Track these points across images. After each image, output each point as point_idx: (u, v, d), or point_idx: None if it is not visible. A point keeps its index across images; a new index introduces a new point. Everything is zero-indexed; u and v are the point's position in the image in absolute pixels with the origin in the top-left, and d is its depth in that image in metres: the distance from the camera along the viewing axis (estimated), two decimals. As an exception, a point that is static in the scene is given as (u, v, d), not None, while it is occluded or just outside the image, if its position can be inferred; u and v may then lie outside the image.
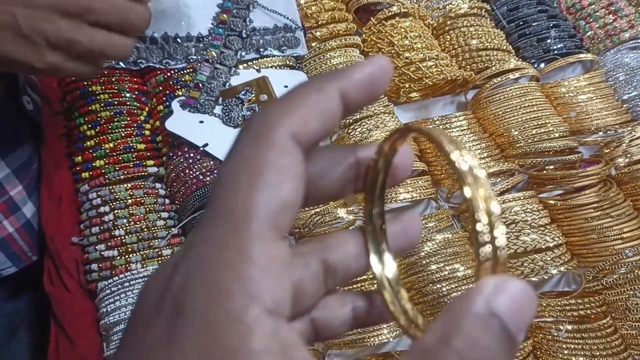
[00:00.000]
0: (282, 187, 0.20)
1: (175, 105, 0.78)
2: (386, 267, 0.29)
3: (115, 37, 0.58)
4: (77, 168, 0.77)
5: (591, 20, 0.98)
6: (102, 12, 0.54)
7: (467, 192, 0.21)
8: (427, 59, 0.86)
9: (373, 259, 0.29)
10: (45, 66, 0.56)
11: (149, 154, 0.78)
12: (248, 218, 0.19)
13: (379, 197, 0.28)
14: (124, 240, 0.70)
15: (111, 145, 0.76)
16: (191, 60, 0.85)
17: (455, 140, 0.22)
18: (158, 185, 0.76)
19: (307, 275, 0.26)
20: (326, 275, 0.27)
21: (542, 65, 0.93)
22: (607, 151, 0.84)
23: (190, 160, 0.74)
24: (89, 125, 0.78)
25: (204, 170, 0.74)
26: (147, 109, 0.83)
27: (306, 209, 0.75)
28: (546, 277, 0.71)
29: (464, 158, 0.21)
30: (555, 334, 0.68)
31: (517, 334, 0.19)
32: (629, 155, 0.82)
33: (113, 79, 0.82)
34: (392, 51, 0.88)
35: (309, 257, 0.27)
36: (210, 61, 0.83)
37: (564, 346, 0.68)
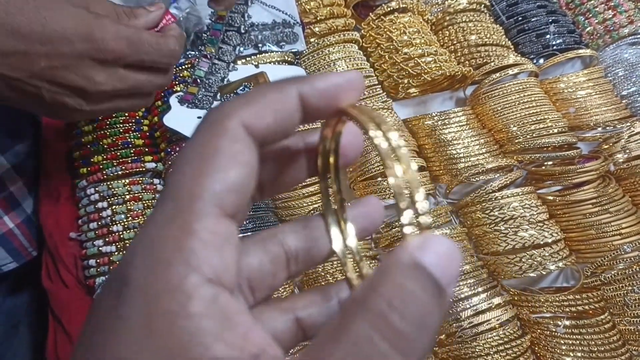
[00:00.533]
0: (230, 171, 0.21)
1: (173, 100, 0.78)
2: (348, 238, 0.29)
3: (152, 75, 0.57)
4: (76, 164, 0.77)
5: (590, 15, 0.98)
6: (134, 56, 0.53)
7: (390, 173, 0.21)
8: (426, 54, 0.85)
9: (334, 231, 0.29)
10: (101, 113, 0.57)
11: (147, 149, 0.78)
12: (193, 198, 0.21)
13: (335, 178, 0.29)
14: (122, 236, 0.70)
15: (109, 140, 0.76)
16: (189, 56, 0.85)
17: (379, 118, 0.22)
18: (156, 180, 0.76)
19: (266, 259, 0.27)
20: (288, 259, 0.28)
21: (541, 60, 0.93)
22: (606, 147, 0.84)
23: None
24: (87, 121, 0.78)
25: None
26: (145, 104, 0.83)
27: (304, 205, 0.75)
28: (544, 273, 0.71)
29: (386, 135, 0.21)
30: (554, 330, 0.68)
31: (445, 286, 0.19)
32: (627, 151, 0.82)
33: (111, 75, 0.82)
34: (391, 47, 0.88)
35: (269, 242, 0.27)
36: (209, 57, 0.83)
37: (562, 342, 0.68)
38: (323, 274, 0.70)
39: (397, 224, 0.74)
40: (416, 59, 0.85)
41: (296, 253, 0.28)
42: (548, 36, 0.93)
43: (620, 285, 0.72)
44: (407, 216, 0.20)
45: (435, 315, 0.19)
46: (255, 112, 0.22)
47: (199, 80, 0.80)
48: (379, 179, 0.78)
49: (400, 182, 0.20)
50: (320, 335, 0.20)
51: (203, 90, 0.80)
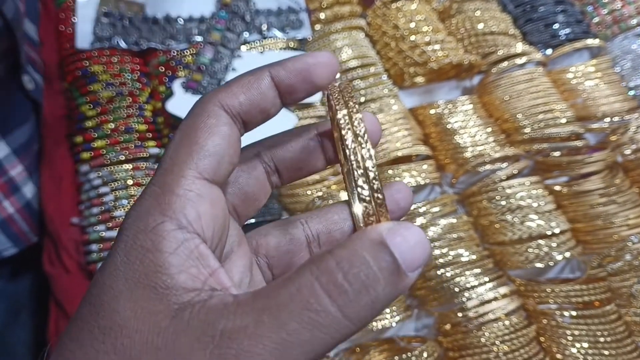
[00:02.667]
0: (207, 141, 0.25)
1: (177, 86, 0.77)
2: None
3: None
4: (78, 148, 0.76)
5: (598, 5, 0.97)
6: None
7: (349, 144, 0.24)
8: (433, 42, 0.84)
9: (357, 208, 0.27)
10: None
11: (150, 134, 0.77)
12: (174, 164, 0.25)
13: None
14: (124, 221, 0.69)
15: (112, 125, 0.75)
16: (193, 42, 0.84)
17: (350, 99, 0.25)
18: (159, 166, 0.75)
19: (285, 239, 0.31)
20: (308, 241, 0.31)
21: (549, 50, 0.92)
22: (613, 138, 0.83)
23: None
24: (90, 106, 0.77)
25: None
26: (148, 89, 0.82)
27: (308, 192, 0.74)
28: (551, 264, 0.71)
29: (354, 118, 0.24)
30: (560, 320, 0.68)
31: (407, 271, 0.22)
32: (635, 142, 0.81)
33: (114, 60, 0.81)
34: (397, 34, 0.87)
35: (289, 225, 0.31)
36: (213, 44, 0.82)
37: (568, 332, 0.68)
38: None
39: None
40: (423, 46, 0.84)
41: (317, 235, 0.30)
42: (556, 26, 0.92)
43: (627, 276, 0.71)
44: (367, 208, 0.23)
45: (384, 288, 0.21)
46: (228, 93, 0.26)
47: (202, 67, 0.79)
48: (385, 167, 0.77)
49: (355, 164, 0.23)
50: (274, 280, 0.23)
51: (207, 77, 0.79)
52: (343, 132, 0.24)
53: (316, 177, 0.75)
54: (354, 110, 0.25)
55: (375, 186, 0.24)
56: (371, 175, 0.23)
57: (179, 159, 0.25)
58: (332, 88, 0.27)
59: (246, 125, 0.27)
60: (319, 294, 0.21)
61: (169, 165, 0.25)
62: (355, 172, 0.24)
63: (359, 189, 0.24)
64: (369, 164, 0.24)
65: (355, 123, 0.25)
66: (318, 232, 0.31)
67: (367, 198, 0.24)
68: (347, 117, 0.25)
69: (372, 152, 0.24)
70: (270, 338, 0.21)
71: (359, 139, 0.24)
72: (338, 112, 0.25)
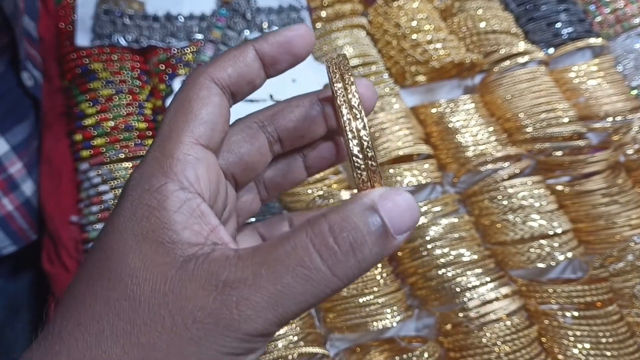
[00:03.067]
0: (200, 110, 0.27)
1: (177, 84, 0.77)
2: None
3: None
4: (77, 146, 0.76)
5: (601, 4, 0.96)
6: None
7: (344, 116, 0.26)
8: (434, 41, 0.84)
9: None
10: None
11: (149, 133, 0.77)
12: (172, 131, 0.27)
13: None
14: (124, 220, 0.68)
15: (112, 123, 0.75)
16: (193, 40, 0.83)
17: (345, 72, 0.27)
18: (159, 164, 0.74)
19: (253, 149, 0.32)
20: (271, 144, 0.33)
21: (551, 49, 0.92)
22: (615, 138, 0.83)
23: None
24: (90, 103, 0.77)
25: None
26: (148, 87, 0.82)
27: (309, 191, 0.74)
28: (553, 264, 0.70)
29: (349, 91, 0.26)
30: (562, 320, 0.67)
31: (394, 234, 0.24)
32: (637, 141, 0.80)
33: (114, 57, 0.81)
34: (399, 33, 0.86)
35: (255, 130, 0.32)
36: (214, 42, 0.81)
37: (570, 332, 0.67)
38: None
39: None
40: (424, 45, 0.83)
41: (284, 133, 0.33)
42: (558, 25, 0.92)
43: (629, 276, 0.71)
44: (362, 176, 0.25)
45: (371, 250, 0.24)
46: (217, 66, 0.29)
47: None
48: (386, 166, 0.77)
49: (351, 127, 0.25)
50: (272, 239, 0.25)
51: (208, 73, 0.78)
52: (339, 104, 0.26)
53: (317, 176, 0.75)
54: (349, 82, 0.27)
55: (368, 154, 0.25)
56: (365, 144, 0.25)
57: (176, 127, 0.27)
58: (329, 61, 0.29)
59: (235, 96, 0.30)
60: (311, 253, 0.23)
61: (167, 133, 0.27)
62: (351, 142, 0.25)
63: (354, 158, 0.25)
64: (362, 133, 0.25)
65: (350, 95, 0.26)
66: (286, 129, 0.33)
67: (362, 166, 0.25)
68: (342, 90, 0.26)
69: (366, 122, 0.26)
70: (267, 289, 0.23)
71: (354, 110, 0.26)
72: (335, 84, 0.27)
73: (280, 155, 0.34)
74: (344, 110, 0.26)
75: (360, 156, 0.25)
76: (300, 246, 0.24)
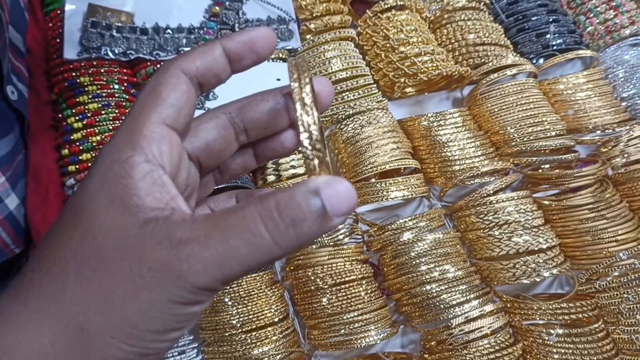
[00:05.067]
0: (169, 95, 0.30)
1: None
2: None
3: None
4: (64, 161, 0.76)
5: (591, 15, 0.96)
6: None
7: (298, 112, 0.28)
8: (423, 53, 0.84)
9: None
10: None
11: (136, 147, 0.76)
12: (140, 112, 0.30)
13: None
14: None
15: (98, 138, 0.75)
16: (181, 52, 0.83)
17: (302, 73, 0.30)
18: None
19: (220, 137, 0.35)
20: (237, 133, 0.36)
21: (541, 60, 0.92)
22: (604, 150, 0.83)
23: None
24: (77, 118, 0.77)
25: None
26: (136, 101, 0.81)
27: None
28: (538, 280, 0.70)
29: (303, 90, 0.29)
30: (546, 338, 0.67)
31: (332, 215, 0.27)
32: (626, 155, 0.80)
33: (102, 70, 0.80)
34: (387, 45, 0.86)
35: (223, 119, 0.35)
36: (201, 53, 0.81)
37: (554, 350, 0.67)
38: (313, 278, 0.69)
39: (389, 227, 0.73)
40: (412, 58, 0.83)
41: (250, 125, 0.36)
42: (548, 36, 0.92)
43: (615, 293, 0.71)
44: (312, 165, 0.28)
45: (310, 227, 0.27)
46: (187, 59, 0.32)
47: (190, 78, 0.78)
48: (373, 180, 0.77)
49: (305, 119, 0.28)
50: (224, 209, 0.28)
51: (194, 87, 0.78)
52: (294, 100, 0.29)
53: (292, 171, 0.75)
54: (304, 83, 0.29)
55: (317, 147, 0.28)
56: (314, 137, 0.28)
57: (145, 108, 0.30)
58: (290, 62, 0.32)
59: (202, 86, 0.33)
60: (258, 222, 0.26)
61: (137, 113, 0.30)
62: (302, 135, 0.28)
63: (304, 148, 0.28)
64: (312, 128, 0.28)
65: (303, 94, 0.29)
66: (252, 122, 0.36)
67: (310, 155, 0.28)
68: (297, 88, 0.29)
69: (316, 117, 0.28)
70: (215, 248, 0.26)
71: (306, 107, 0.28)
72: (292, 83, 0.30)
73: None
74: (298, 106, 0.29)
75: (310, 147, 0.28)
76: (248, 216, 0.27)
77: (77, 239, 0.28)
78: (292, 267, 0.73)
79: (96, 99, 0.77)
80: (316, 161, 0.28)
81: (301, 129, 0.28)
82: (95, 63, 0.81)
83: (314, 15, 0.90)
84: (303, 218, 0.27)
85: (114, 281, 0.27)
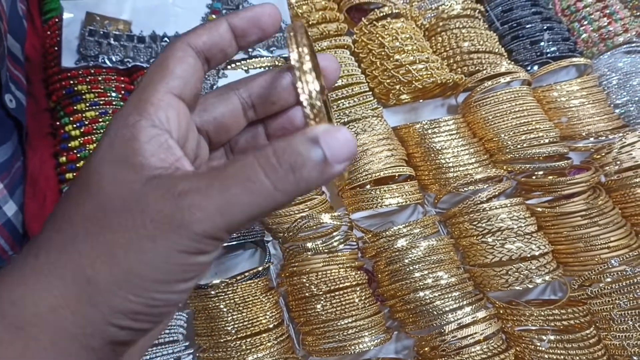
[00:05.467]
0: (176, 67, 0.32)
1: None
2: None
3: None
4: (62, 168, 0.76)
5: (586, 23, 0.97)
6: None
7: (297, 74, 0.29)
8: (417, 61, 0.85)
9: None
10: None
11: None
12: (149, 82, 0.31)
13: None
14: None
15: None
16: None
17: (300, 38, 0.31)
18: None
19: (227, 111, 0.36)
20: (245, 109, 0.37)
21: (535, 67, 0.92)
22: (597, 157, 0.83)
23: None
24: (75, 125, 0.77)
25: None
26: (133, 108, 0.82)
27: (290, 214, 0.75)
28: (530, 286, 0.71)
29: (300, 55, 0.30)
30: (538, 344, 0.68)
31: (332, 162, 0.27)
32: (619, 162, 0.81)
33: (99, 78, 0.81)
34: (382, 53, 0.87)
35: (231, 94, 0.36)
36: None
37: (547, 356, 0.68)
38: (307, 284, 0.70)
39: (384, 234, 0.74)
40: (407, 66, 0.84)
41: (257, 101, 0.37)
42: (542, 43, 0.92)
43: (607, 299, 0.71)
44: (310, 113, 0.29)
45: (309, 172, 0.27)
46: (194, 34, 0.33)
47: (187, 86, 0.79)
48: (367, 187, 0.78)
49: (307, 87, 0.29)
50: (224, 162, 0.30)
51: (191, 95, 0.79)
52: (293, 66, 0.30)
53: (300, 197, 0.76)
54: (302, 44, 0.30)
55: (317, 105, 0.29)
56: (313, 96, 0.29)
57: (153, 79, 0.31)
58: (287, 28, 0.32)
59: (209, 61, 0.34)
60: (257, 170, 0.27)
61: (146, 84, 0.32)
62: (301, 96, 0.29)
63: (304, 109, 0.29)
64: (311, 86, 0.29)
65: (302, 60, 0.29)
66: (259, 98, 0.37)
67: (310, 114, 0.29)
68: (297, 56, 0.30)
69: (314, 78, 0.29)
70: (216, 197, 0.27)
71: (304, 70, 0.29)
72: (291, 52, 0.30)
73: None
74: (297, 71, 0.29)
75: (309, 107, 0.29)
76: (247, 164, 0.28)
77: (85, 197, 0.29)
78: (287, 274, 0.73)
79: (94, 107, 0.78)
80: (316, 116, 0.29)
81: (299, 86, 0.29)
82: (92, 71, 0.82)
83: (310, 23, 0.91)
84: (302, 163, 0.27)
85: (118, 233, 0.28)
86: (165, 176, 0.28)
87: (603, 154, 0.83)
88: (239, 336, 0.67)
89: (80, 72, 0.81)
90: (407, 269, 0.71)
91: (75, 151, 0.76)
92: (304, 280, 0.70)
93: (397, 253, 0.72)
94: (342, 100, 0.83)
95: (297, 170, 0.27)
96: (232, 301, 0.68)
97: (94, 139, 0.76)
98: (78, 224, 0.29)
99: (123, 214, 0.28)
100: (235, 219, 0.28)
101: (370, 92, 0.87)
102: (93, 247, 0.28)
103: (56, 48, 0.84)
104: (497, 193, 0.78)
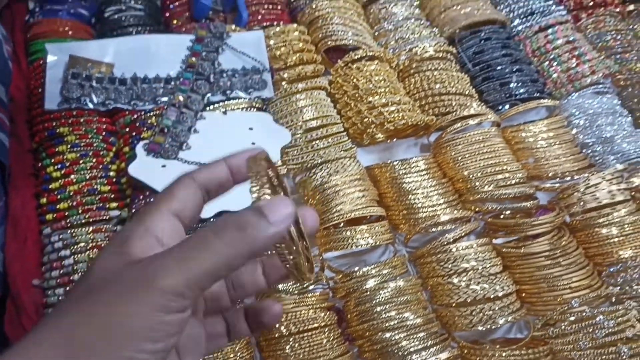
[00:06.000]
0: (179, 193, 0.39)
1: (139, 150, 0.80)
2: None
3: None
4: (43, 209, 0.79)
5: (555, 64, 1.00)
6: None
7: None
8: (390, 103, 0.88)
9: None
10: None
11: (112, 195, 0.80)
12: (155, 203, 0.39)
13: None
14: (83, 285, 0.71)
15: (76, 187, 0.78)
16: (159, 102, 0.87)
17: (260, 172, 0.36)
18: (120, 228, 0.78)
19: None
20: (229, 289, 0.46)
21: (507, 107, 0.95)
22: (563, 197, 0.86)
23: (152, 204, 0.76)
24: (56, 167, 0.80)
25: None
26: (114, 149, 0.85)
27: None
28: (494, 327, 0.73)
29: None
30: (500, 385, 0.70)
31: (271, 222, 0.33)
32: (582, 202, 0.84)
33: (81, 120, 0.84)
34: (357, 94, 0.90)
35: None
36: (177, 105, 0.85)
37: (508, 396, 0.70)
38: (277, 325, 0.72)
39: (354, 275, 0.76)
40: (380, 108, 0.87)
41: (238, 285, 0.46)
42: (512, 85, 0.96)
43: (568, 339, 0.73)
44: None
45: (256, 229, 0.33)
46: (197, 171, 0.40)
47: (166, 130, 0.82)
48: (341, 225, 0.80)
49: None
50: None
51: (170, 139, 0.82)
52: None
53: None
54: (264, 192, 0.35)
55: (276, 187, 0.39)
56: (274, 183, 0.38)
57: (160, 200, 0.39)
58: (248, 167, 0.38)
59: (208, 192, 0.41)
60: (208, 234, 0.34)
61: (153, 204, 0.39)
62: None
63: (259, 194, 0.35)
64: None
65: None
66: (240, 283, 0.46)
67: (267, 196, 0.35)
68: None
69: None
70: (174, 256, 0.33)
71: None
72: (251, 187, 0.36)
73: None
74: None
75: (269, 191, 0.35)
76: (202, 232, 0.34)
77: (81, 280, 0.36)
78: (260, 313, 0.75)
79: (75, 149, 0.81)
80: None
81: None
82: (74, 113, 0.84)
83: (288, 64, 0.94)
84: (247, 224, 0.33)
85: (100, 302, 0.33)
86: (144, 259, 0.34)
87: (568, 195, 0.86)
88: (210, 376, 0.69)
89: (63, 114, 0.84)
90: (375, 310, 0.73)
91: (55, 192, 0.78)
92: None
93: (366, 294, 0.75)
94: (317, 141, 0.86)
95: (243, 229, 0.33)
96: (205, 342, 0.70)
97: (74, 179, 0.79)
98: (69, 300, 0.36)
99: (103, 286, 0.34)
100: (193, 273, 0.33)
101: (345, 133, 0.89)
102: (79, 315, 0.33)
103: (40, 90, 0.87)
104: (463, 234, 0.80)
